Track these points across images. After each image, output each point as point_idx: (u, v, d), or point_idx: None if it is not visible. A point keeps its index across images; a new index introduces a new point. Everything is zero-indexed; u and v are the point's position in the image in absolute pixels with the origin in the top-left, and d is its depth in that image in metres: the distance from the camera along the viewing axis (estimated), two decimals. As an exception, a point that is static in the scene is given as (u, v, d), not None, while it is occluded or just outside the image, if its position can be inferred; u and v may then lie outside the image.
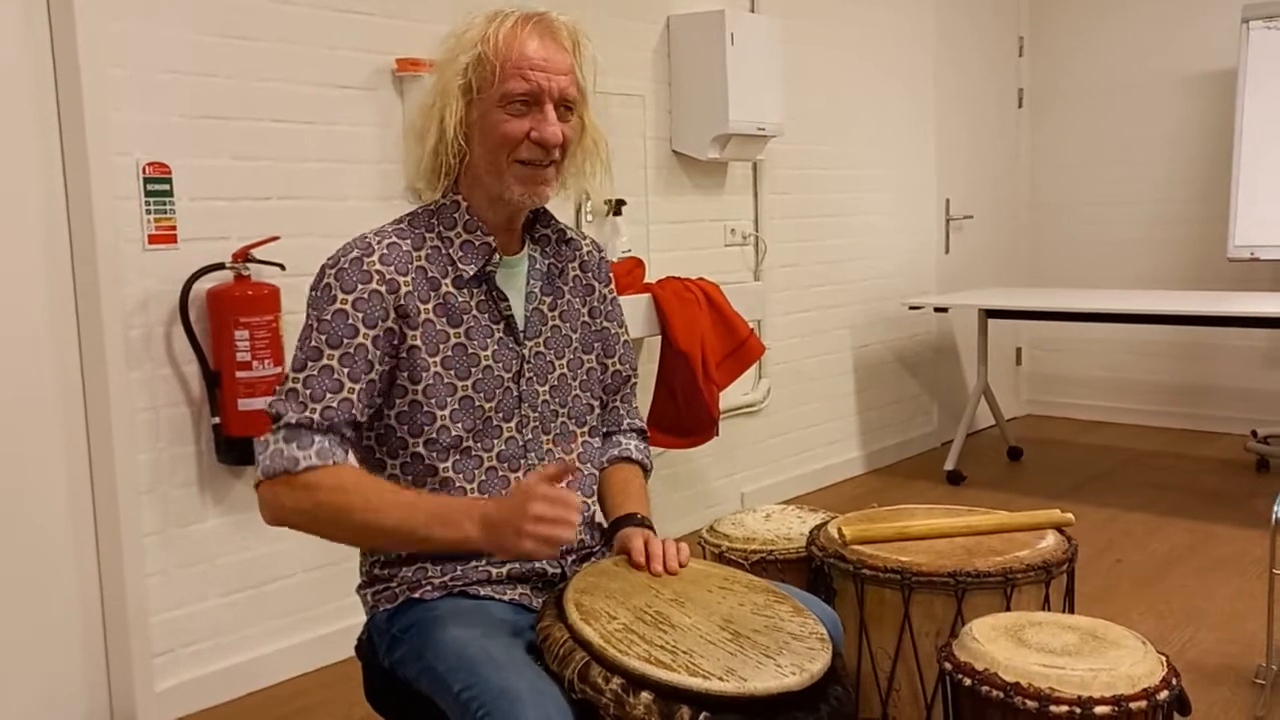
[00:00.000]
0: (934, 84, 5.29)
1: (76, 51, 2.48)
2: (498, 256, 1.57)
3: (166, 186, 2.66)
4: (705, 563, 1.64)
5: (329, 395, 1.47)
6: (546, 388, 1.63)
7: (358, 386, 1.48)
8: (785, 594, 1.55)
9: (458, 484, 1.55)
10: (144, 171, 2.61)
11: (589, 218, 3.63)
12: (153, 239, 2.64)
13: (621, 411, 1.82)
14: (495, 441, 1.58)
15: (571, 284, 1.70)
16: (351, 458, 1.51)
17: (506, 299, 1.59)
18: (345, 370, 1.48)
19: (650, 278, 3.72)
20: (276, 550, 2.92)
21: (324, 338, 1.48)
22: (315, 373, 1.47)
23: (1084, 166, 5.91)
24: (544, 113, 1.51)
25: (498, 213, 1.58)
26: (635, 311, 3.44)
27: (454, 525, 1.41)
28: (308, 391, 1.46)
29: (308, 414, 1.45)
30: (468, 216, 1.57)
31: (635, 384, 1.84)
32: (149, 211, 2.63)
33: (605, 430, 1.79)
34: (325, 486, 1.43)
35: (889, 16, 4.99)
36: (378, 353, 1.50)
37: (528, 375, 1.61)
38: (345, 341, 1.48)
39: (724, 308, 3.71)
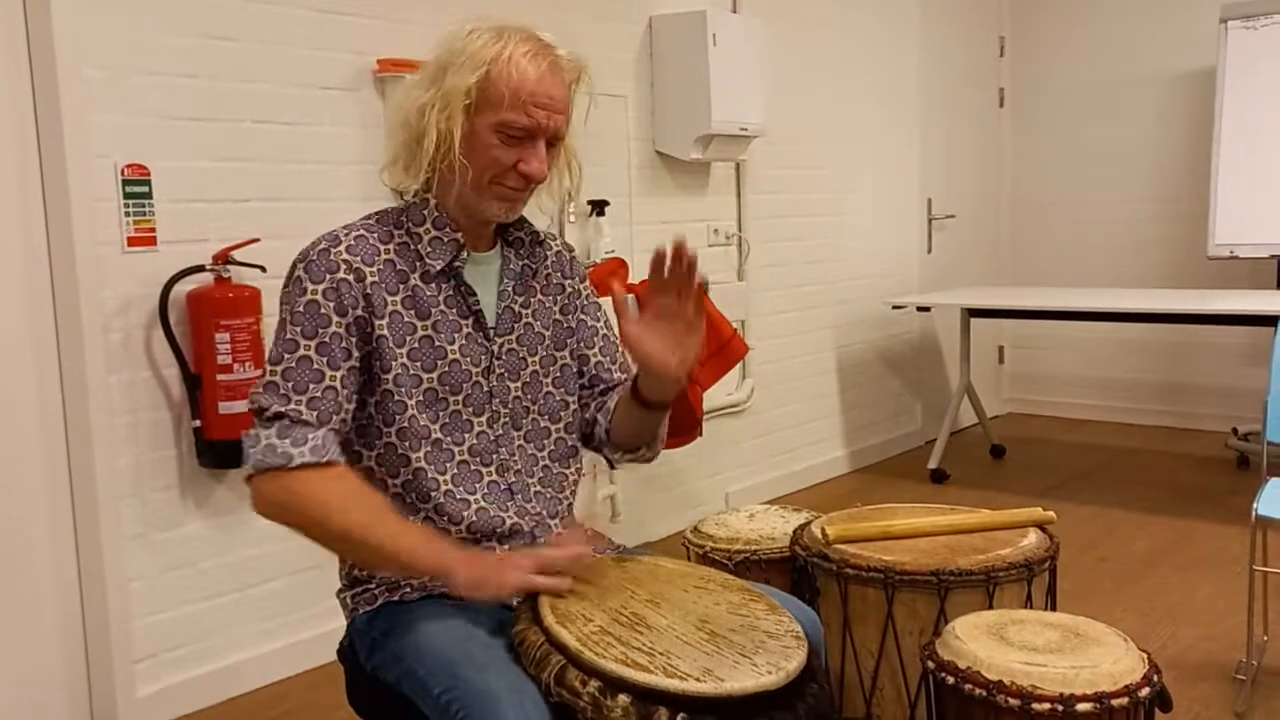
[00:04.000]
0: (916, 84, 5.31)
1: (54, 53, 2.46)
2: (466, 252, 1.59)
3: (146, 188, 2.64)
4: (680, 562, 1.64)
5: (311, 386, 1.47)
6: (519, 384, 1.64)
7: (338, 374, 1.49)
8: (761, 592, 1.55)
9: (430, 474, 1.55)
10: (123, 173, 2.60)
11: (571, 218, 3.63)
12: (132, 241, 2.62)
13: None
14: (466, 436, 1.58)
15: (544, 283, 1.70)
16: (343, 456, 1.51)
17: (475, 294, 1.60)
18: (324, 359, 1.49)
19: (634, 278, 3.72)
20: (259, 554, 2.91)
21: (299, 329, 1.49)
22: (294, 364, 1.48)
23: (1065, 166, 5.94)
24: (535, 148, 1.53)
25: (469, 217, 1.59)
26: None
27: (437, 553, 1.44)
28: (289, 384, 1.47)
29: (294, 405, 1.46)
30: (436, 214, 1.58)
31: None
32: (128, 214, 2.61)
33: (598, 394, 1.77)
34: (319, 489, 1.43)
35: (871, 17, 5.00)
36: (353, 339, 1.51)
37: (498, 371, 1.61)
38: (320, 331, 1.49)
39: (707, 308, 3.71)
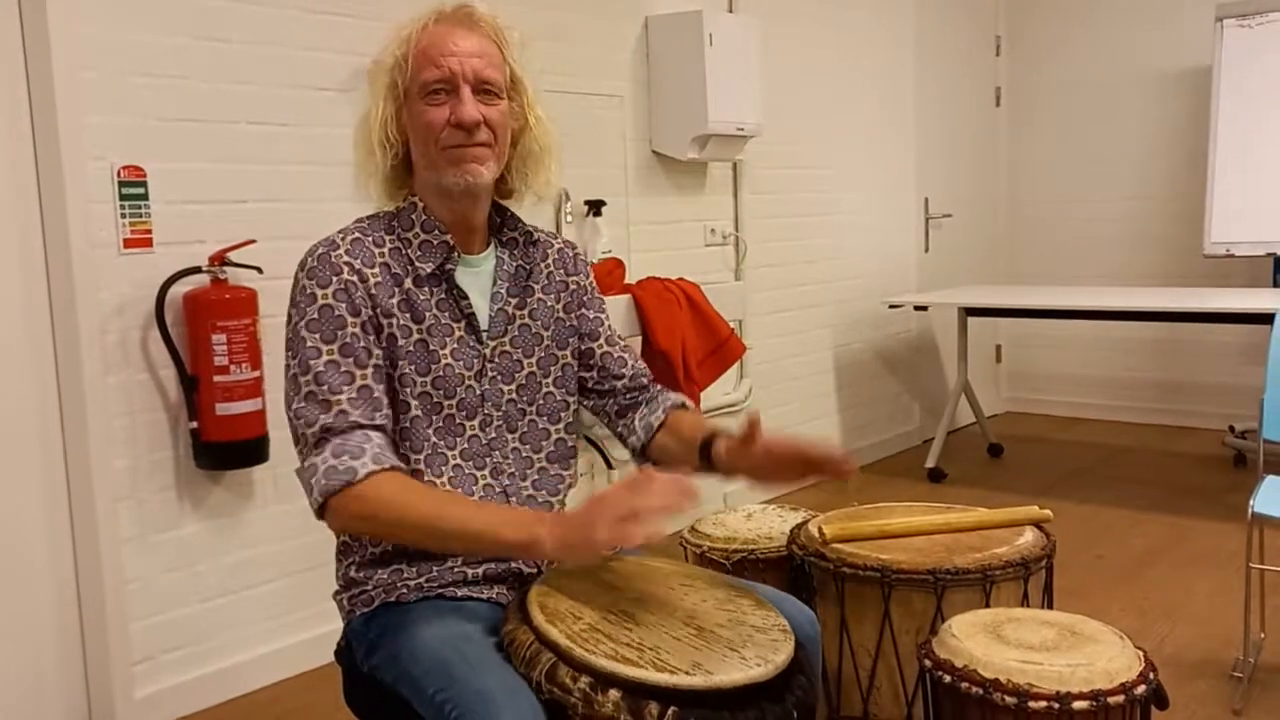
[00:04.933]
0: (912, 83, 5.31)
1: (50, 55, 2.46)
2: (457, 254, 1.58)
3: (142, 190, 2.64)
4: (666, 561, 1.65)
5: (345, 388, 1.47)
6: (513, 387, 1.63)
7: (367, 372, 1.49)
8: (747, 588, 1.56)
9: (427, 478, 1.55)
10: (119, 175, 2.60)
11: (569, 218, 3.63)
12: (128, 243, 2.62)
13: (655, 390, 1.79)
14: (458, 440, 1.58)
15: (545, 282, 1.69)
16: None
17: (467, 297, 1.59)
18: (350, 360, 1.48)
19: (630, 278, 3.72)
20: (256, 555, 2.91)
21: (317, 335, 1.48)
22: (322, 368, 1.47)
23: (1061, 165, 5.95)
24: (460, 96, 1.52)
25: (452, 210, 1.59)
26: (615, 312, 3.42)
27: (523, 527, 1.39)
28: (323, 387, 1.46)
29: (337, 411, 1.45)
30: (425, 217, 1.58)
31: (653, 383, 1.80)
32: (124, 215, 2.61)
33: (643, 400, 1.75)
34: (388, 492, 1.42)
35: (867, 16, 5.00)
36: (370, 338, 1.51)
37: (491, 374, 1.61)
38: (339, 334, 1.49)
39: (704, 308, 3.72)
